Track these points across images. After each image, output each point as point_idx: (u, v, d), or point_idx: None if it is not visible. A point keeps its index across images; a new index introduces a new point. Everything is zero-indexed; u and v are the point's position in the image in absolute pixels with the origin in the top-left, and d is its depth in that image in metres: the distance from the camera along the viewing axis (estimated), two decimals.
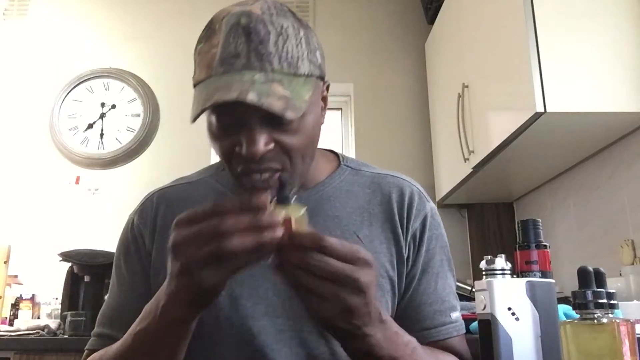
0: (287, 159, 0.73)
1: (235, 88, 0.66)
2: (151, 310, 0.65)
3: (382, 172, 0.91)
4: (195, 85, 0.73)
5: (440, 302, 0.84)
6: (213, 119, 0.73)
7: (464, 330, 0.85)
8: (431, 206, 0.89)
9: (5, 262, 2.37)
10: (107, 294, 0.88)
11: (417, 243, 0.85)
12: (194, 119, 0.69)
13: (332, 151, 0.94)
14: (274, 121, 0.69)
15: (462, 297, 1.83)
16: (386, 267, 0.83)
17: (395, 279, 0.83)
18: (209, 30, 0.74)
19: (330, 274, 0.57)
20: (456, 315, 0.85)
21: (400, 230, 0.85)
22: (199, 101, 0.68)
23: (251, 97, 0.65)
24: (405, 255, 0.84)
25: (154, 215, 0.86)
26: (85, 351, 0.84)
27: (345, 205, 0.85)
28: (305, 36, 0.74)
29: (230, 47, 0.69)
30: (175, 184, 0.92)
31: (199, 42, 0.75)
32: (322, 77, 0.77)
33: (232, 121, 0.71)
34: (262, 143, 0.69)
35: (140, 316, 0.68)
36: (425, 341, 0.81)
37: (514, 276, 0.58)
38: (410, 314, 0.83)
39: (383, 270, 0.82)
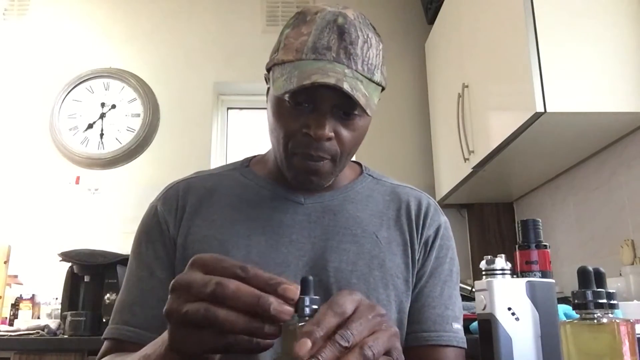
0: (338, 151, 0.80)
1: (332, 75, 0.73)
2: (157, 342, 0.60)
3: (401, 184, 0.96)
4: (276, 64, 0.80)
5: (444, 309, 0.85)
6: (286, 98, 0.78)
7: (465, 345, 0.85)
8: (445, 219, 0.93)
9: (5, 262, 2.37)
10: (123, 284, 0.86)
11: (428, 248, 0.88)
12: (288, 92, 0.74)
13: (355, 162, 1.00)
14: (340, 114, 0.78)
15: (462, 297, 1.83)
16: (401, 268, 0.85)
17: (409, 280, 0.85)
18: (299, 20, 0.81)
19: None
20: (458, 327, 0.85)
21: (415, 234, 0.88)
22: (291, 78, 0.75)
23: (346, 86, 0.72)
24: (417, 258, 0.87)
25: (182, 202, 0.87)
26: (105, 341, 0.83)
27: (366, 208, 0.89)
28: (382, 50, 0.83)
29: (323, 40, 0.77)
30: (196, 175, 0.93)
31: (286, 27, 0.83)
32: (383, 90, 0.83)
33: (305, 104, 0.77)
34: (329, 128, 0.77)
35: (151, 343, 0.62)
36: (423, 344, 0.81)
37: (514, 276, 0.58)
38: (412, 314, 0.84)
39: (399, 271, 0.84)
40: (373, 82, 0.79)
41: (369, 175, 0.95)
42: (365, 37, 0.79)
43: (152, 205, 0.89)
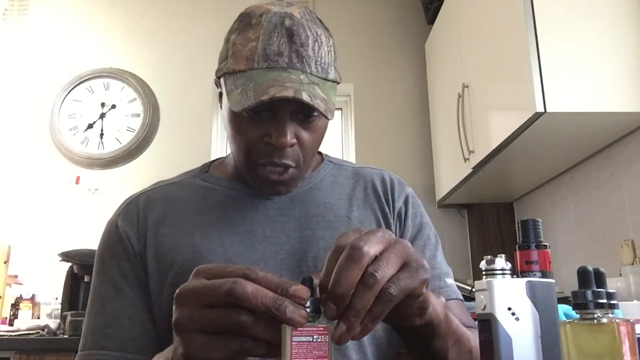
0: (301, 155, 0.79)
1: (289, 86, 0.71)
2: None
3: (361, 165, 0.97)
4: (227, 73, 0.77)
5: (431, 269, 0.86)
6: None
7: (461, 297, 0.88)
8: (411, 190, 0.95)
9: (5, 262, 2.37)
10: (90, 306, 0.82)
11: (402, 220, 0.90)
12: (247, 109, 0.72)
13: None
14: (300, 117, 0.77)
15: (462, 298, 1.84)
16: None
17: None
18: (243, 23, 0.78)
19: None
20: (450, 281, 0.87)
21: (387, 209, 0.89)
22: (247, 92, 0.72)
23: (305, 96, 0.71)
24: (393, 231, 0.88)
25: (144, 215, 0.84)
26: None
27: (333, 193, 0.89)
28: (333, 45, 0.80)
29: (273, 45, 0.74)
30: (156, 186, 0.91)
31: (231, 32, 0.80)
32: (338, 84, 0.83)
33: (264, 113, 0.75)
34: (290, 135, 0.75)
35: None
36: None
37: (514, 276, 0.58)
38: None
39: None
40: (328, 80, 0.78)
41: (330, 161, 0.95)
42: (315, 35, 0.77)
43: (112, 221, 0.86)
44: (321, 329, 0.50)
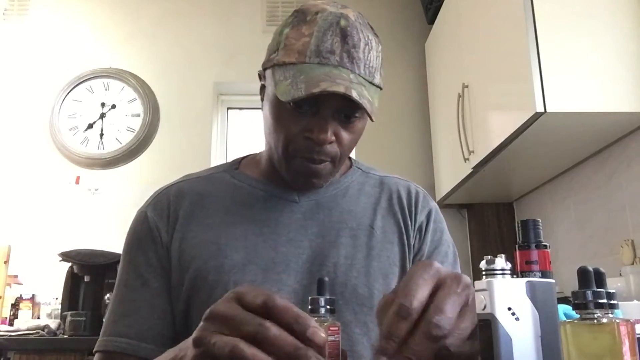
0: (338, 153, 0.81)
1: (340, 82, 0.73)
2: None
3: (388, 175, 0.97)
4: (277, 65, 0.78)
5: None
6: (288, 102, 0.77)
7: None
8: (435, 204, 0.95)
9: (5, 262, 2.37)
10: (115, 294, 0.83)
11: (422, 233, 0.90)
12: (297, 100, 0.73)
13: None
14: (341, 117, 0.78)
15: None
16: (399, 257, 0.87)
17: (407, 266, 0.87)
18: (298, 19, 0.80)
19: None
20: None
21: (409, 221, 0.90)
22: (297, 83, 0.73)
23: (355, 94, 0.72)
24: (412, 244, 0.89)
25: (174, 207, 0.85)
26: (97, 354, 0.80)
27: (359, 201, 0.90)
28: (381, 51, 0.82)
29: (327, 43, 0.76)
30: (186, 179, 0.91)
31: (284, 26, 0.81)
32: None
33: (307, 108, 0.77)
34: (331, 133, 0.77)
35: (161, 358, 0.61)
36: None
37: (514, 276, 0.58)
38: None
39: (396, 260, 0.86)
40: (374, 84, 0.79)
41: (358, 168, 0.96)
42: (367, 39, 0.79)
43: (142, 211, 0.87)
44: (335, 328, 0.52)
